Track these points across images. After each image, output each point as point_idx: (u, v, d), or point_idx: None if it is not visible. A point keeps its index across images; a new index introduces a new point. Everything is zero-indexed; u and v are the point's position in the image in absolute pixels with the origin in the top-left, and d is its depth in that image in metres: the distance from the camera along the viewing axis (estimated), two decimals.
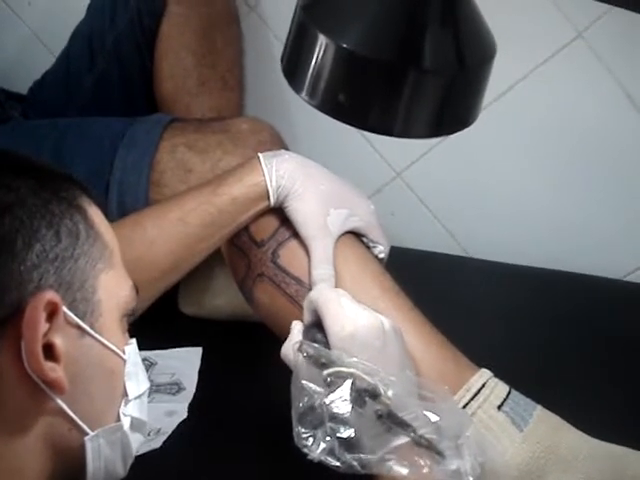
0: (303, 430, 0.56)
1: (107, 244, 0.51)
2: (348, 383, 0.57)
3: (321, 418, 0.56)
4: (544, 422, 0.65)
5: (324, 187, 0.71)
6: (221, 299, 0.91)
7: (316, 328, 0.62)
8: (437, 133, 0.49)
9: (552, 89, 1.00)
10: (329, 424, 0.55)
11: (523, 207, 1.10)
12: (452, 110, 0.48)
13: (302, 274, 0.70)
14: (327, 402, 0.56)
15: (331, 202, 0.71)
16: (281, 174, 0.69)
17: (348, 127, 0.47)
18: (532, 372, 0.84)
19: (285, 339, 0.63)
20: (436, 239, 1.16)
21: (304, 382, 0.57)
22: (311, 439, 0.56)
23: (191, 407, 0.82)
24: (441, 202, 1.15)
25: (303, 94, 0.49)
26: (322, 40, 0.47)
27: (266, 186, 0.69)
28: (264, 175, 0.69)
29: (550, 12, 0.95)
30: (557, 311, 0.96)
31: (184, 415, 0.81)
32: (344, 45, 0.46)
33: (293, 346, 0.60)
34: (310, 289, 0.68)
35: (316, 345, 0.59)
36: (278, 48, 1.13)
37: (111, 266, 0.51)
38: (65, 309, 0.46)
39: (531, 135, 1.04)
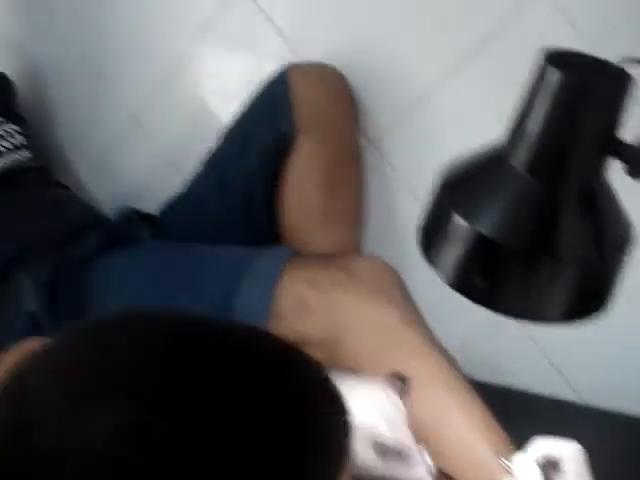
0: None
1: None
2: None
3: None
4: None
5: None
6: None
7: None
8: (570, 319, 0.49)
9: None
10: None
11: None
12: (586, 298, 0.48)
13: None
14: None
15: None
16: None
17: None
18: None
19: None
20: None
21: None
22: None
23: None
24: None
25: (437, 269, 0.50)
26: (459, 222, 0.48)
27: None
28: None
29: None
30: None
31: None
32: (480, 230, 0.47)
33: None
34: None
35: None
36: (396, 183, 1.17)
37: None
38: None
39: None
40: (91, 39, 1.41)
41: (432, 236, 0.51)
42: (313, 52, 1.15)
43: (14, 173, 1.23)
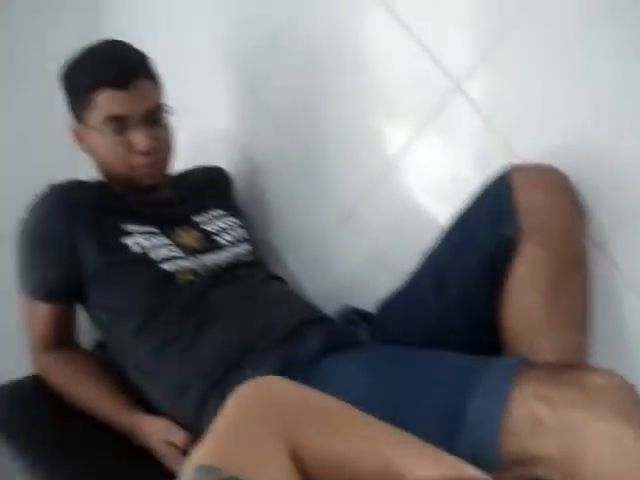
0: None
1: None
2: None
3: None
4: None
5: None
6: None
7: None
8: None
9: None
10: None
11: None
12: None
13: None
14: None
15: None
16: None
17: None
18: None
19: None
20: None
21: None
22: None
23: None
24: None
25: None
26: None
27: None
28: None
29: None
30: None
31: None
32: None
33: None
34: None
35: None
36: (624, 288, 1.10)
37: None
38: None
39: None
40: (310, 136, 1.49)
41: None
42: (532, 151, 1.14)
43: (236, 267, 1.30)
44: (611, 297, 1.10)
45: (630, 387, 0.85)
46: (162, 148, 1.30)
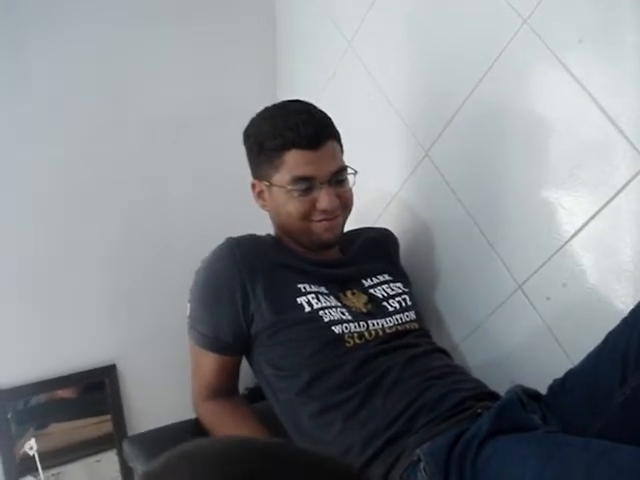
0: None
1: None
2: None
3: None
4: None
5: None
6: None
7: None
8: None
9: None
10: None
11: None
12: None
13: None
14: None
15: None
16: None
17: None
18: None
19: None
20: None
21: None
22: None
23: None
24: None
25: None
26: None
27: None
28: None
29: None
30: None
31: None
32: None
33: None
34: None
35: None
36: None
37: None
38: None
39: None
40: (480, 203, 1.47)
41: None
42: None
43: (403, 334, 1.28)
44: None
45: None
46: (343, 208, 1.32)
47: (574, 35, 1.23)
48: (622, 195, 1.19)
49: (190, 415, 1.38)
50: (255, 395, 1.51)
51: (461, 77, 1.46)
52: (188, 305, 1.31)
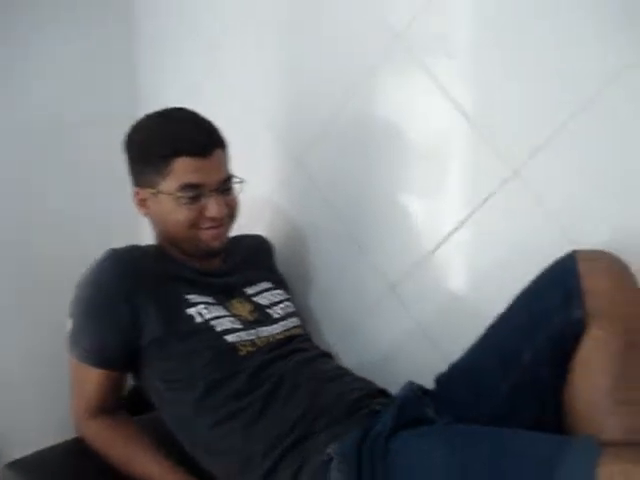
0: None
1: None
2: None
3: None
4: None
5: None
6: None
7: None
8: None
9: None
10: None
11: None
12: None
13: None
14: None
15: None
16: None
17: None
18: None
19: None
20: None
21: None
22: None
23: None
24: None
25: None
26: None
27: None
28: None
29: None
30: None
31: None
32: None
33: None
34: None
35: None
36: None
37: None
38: None
39: None
40: (351, 209, 1.54)
41: None
42: (589, 237, 1.19)
43: (290, 340, 1.31)
44: None
45: None
46: (230, 216, 1.33)
47: (443, 49, 1.33)
48: (489, 203, 1.31)
49: (67, 435, 1.33)
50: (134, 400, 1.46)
51: (332, 87, 1.52)
52: (69, 320, 1.26)
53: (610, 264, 1.10)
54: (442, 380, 1.20)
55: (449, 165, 1.37)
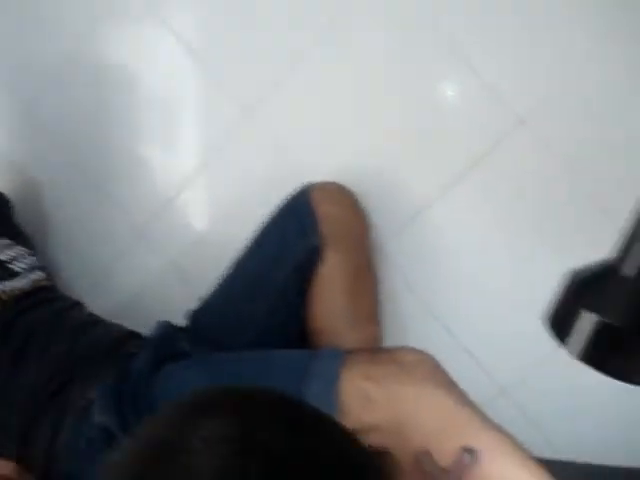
0: None
1: None
2: None
3: None
4: None
5: None
6: None
7: None
8: None
9: None
10: None
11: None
12: None
13: None
14: None
15: None
16: None
17: None
18: None
19: None
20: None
21: None
22: None
23: None
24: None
25: (567, 347, 0.64)
26: (587, 314, 0.63)
27: None
28: None
29: None
30: None
31: None
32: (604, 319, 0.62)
33: None
34: None
35: None
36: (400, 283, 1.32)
37: None
38: None
39: None
40: (90, 159, 1.51)
41: (562, 322, 0.65)
42: (318, 171, 1.30)
43: (37, 292, 1.27)
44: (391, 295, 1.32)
45: (434, 358, 1.01)
46: None
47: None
48: (226, 145, 1.36)
49: None
50: None
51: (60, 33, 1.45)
52: None
53: (339, 192, 1.23)
54: (196, 315, 1.25)
55: (183, 110, 1.40)
